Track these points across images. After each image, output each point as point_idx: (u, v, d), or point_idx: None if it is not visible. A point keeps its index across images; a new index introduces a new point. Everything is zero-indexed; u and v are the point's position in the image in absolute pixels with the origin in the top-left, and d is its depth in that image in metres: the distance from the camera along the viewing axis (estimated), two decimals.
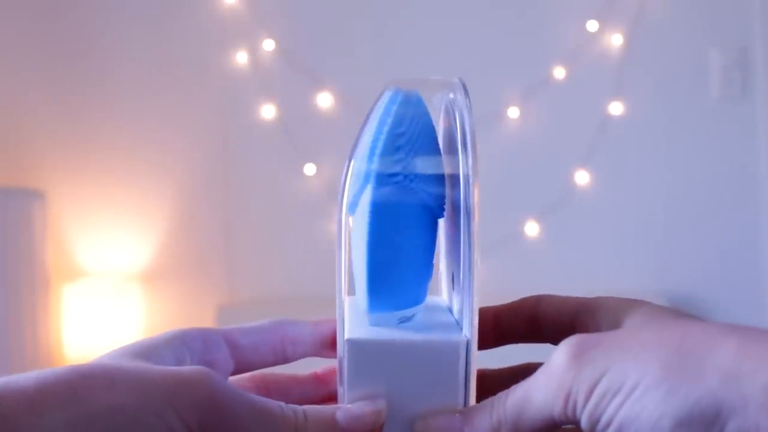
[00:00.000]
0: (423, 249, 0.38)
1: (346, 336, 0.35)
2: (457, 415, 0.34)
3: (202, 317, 1.81)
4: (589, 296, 0.38)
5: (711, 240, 1.75)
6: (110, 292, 1.79)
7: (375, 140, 0.37)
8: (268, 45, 1.83)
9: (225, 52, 1.84)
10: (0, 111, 1.89)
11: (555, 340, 0.37)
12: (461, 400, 0.35)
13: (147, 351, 0.34)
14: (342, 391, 0.36)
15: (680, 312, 0.34)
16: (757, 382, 0.28)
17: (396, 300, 0.37)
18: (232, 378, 0.39)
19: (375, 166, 0.37)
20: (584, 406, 0.31)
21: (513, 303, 0.39)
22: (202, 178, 1.86)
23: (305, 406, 0.34)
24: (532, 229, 1.76)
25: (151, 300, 1.84)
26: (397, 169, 0.37)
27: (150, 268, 1.86)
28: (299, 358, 0.40)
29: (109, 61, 1.87)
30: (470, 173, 0.35)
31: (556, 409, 0.32)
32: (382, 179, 0.36)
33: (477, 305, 0.35)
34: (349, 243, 0.38)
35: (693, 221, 1.76)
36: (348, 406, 0.34)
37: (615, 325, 0.35)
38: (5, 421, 0.29)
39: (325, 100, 1.80)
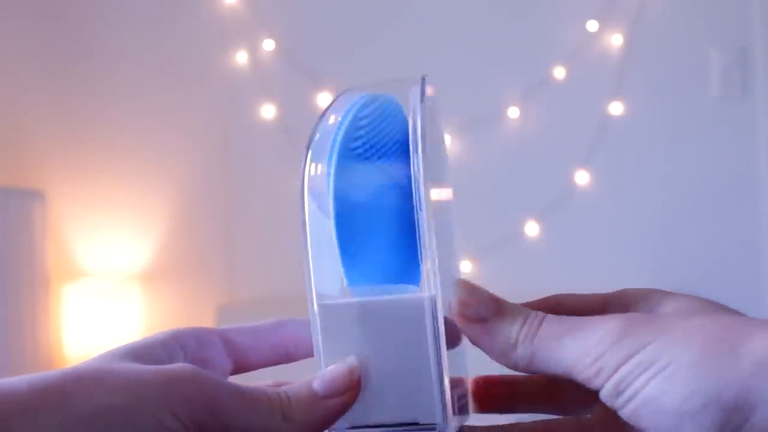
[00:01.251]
0: (396, 215, 0.36)
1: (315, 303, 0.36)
2: (491, 300, 0.35)
3: (202, 317, 1.81)
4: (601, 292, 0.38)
5: (711, 239, 1.75)
6: (110, 292, 1.79)
7: (338, 124, 0.37)
8: (268, 45, 1.83)
9: (225, 52, 1.84)
10: (0, 111, 1.89)
11: None
12: (432, 357, 0.35)
13: (139, 351, 0.34)
14: (318, 360, 0.36)
15: (720, 304, 0.34)
16: None
17: (374, 270, 0.37)
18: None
19: (339, 137, 0.37)
20: (610, 376, 0.31)
21: (532, 303, 0.38)
22: (202, 178, 1.86)
23: (284, 387, 0.34)
24: (532, 229, 1.76)
25: (151, 300, 1.84)
26: (358, 143, 0.36)
27: (150, 268, 1.86)
28: (302, 358, 0.39)
29: (110, 62, 1.87)
30: (419, 174, 0.35)
31: (578, 366, 0.32)
32: (344, 150, 0.36)
33: (436, 266, 0.35)
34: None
35: (693, 221, 1.76)
36: (321, 372, 0.35)
37: (655, 311, 0.35)
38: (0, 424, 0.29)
39: (325, 100, 1.80)
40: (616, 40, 1.77)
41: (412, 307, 0.35)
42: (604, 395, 0.32)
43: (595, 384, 0.32)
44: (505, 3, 1.81)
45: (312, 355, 0.39)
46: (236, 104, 1.84)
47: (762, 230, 1.75)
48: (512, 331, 0.34)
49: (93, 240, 1.87)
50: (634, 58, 1.76)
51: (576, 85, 1.76)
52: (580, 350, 0.32)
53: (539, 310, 0.37)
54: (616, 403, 0.31)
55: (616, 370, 0.31)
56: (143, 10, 1.86)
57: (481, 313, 0.35)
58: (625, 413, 0.31)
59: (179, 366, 0.33)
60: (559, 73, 1.77)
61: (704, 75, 1.75)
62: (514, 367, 0.34)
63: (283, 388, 0.34)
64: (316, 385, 0.34)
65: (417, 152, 0.35)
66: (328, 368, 0.35)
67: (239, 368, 0.39)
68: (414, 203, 0.35)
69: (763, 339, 0.30)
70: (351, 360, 0.35)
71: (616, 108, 1.76)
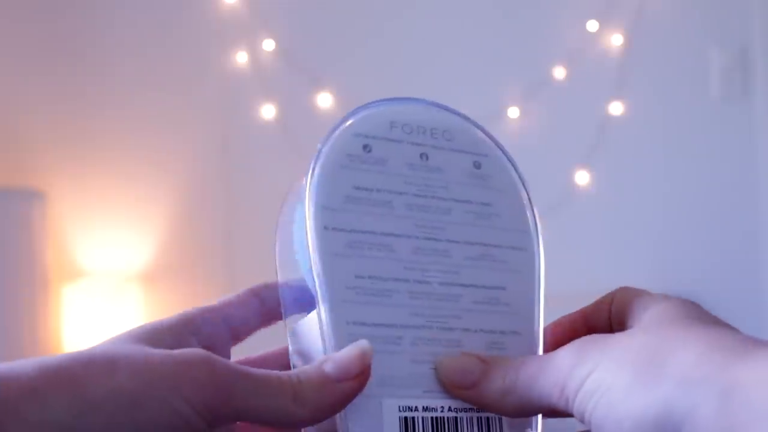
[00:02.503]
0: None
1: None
2: (480, 364, 0.36)
3: None
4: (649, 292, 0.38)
5: (711, 240, 1.75)
6: (110, 292, 1.79)
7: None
8: (268, 45, 1.83)
9: (225, 52, 1.84)
10: (0, 111, 1.89)
11: None
12: None
13: (149, 335, 0.34)
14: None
15: (696, 312, 0.34)
16: (710, 389, 0.28)
17: None
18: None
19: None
20: (573, 401, 0.32)
21: (597, 301, 0.40)
22: (202, 177, 1.86)
23: (296, 370, 0.34)
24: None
25: (151, 300, 1.84)
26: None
27: (150, 268, 1.86)
28: (279, 318, 0.40)
29: (110, 62, 1.87)
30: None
31: (552, 398, 0.33)
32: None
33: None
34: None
35: (693, 221, 1.76)
36: (333, 355, 0.35)
37: (635, 321, 0.36)
38: (8, 405, 0.29)
39: (325, 100, 1.80)
40: (616, 40, 1.77)
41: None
42: (578, 419, 0.33)
43: (570, 411, 0.33)
44: (506, 3, 1.81)
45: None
46: (236, 104, 1.84)
47: (762, 230, 1.75)
48: (498, 384, 0.35)
49: (93, 240, 1.87)
50: (634, 58, 1.76)
51: (576, 85, 1.76)
52: (550, 384, 0.33)
53: (602, 307, 0.38)
54: (585, 424, 0.32)
55: (575, 396, 0.32)
56: (143, 10, 1.86)
57: (473, 378, 0.36)
58: None
59: (190, 351, 0.33)
60: (559, 73, 1.77)
61: (704, 75, 1.75)
62: (507, 414, 0.36)
63: (294, 371, 0.34)
64: (328, 367, 0.34)
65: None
66: (341, 351, 0.35)
67: (236, 340, 0.39)
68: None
69: (686, 353, 0.30)
70: (363, 343, 0.35)
71: (616, 108, 1.76)
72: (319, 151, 0.39)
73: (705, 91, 1.75)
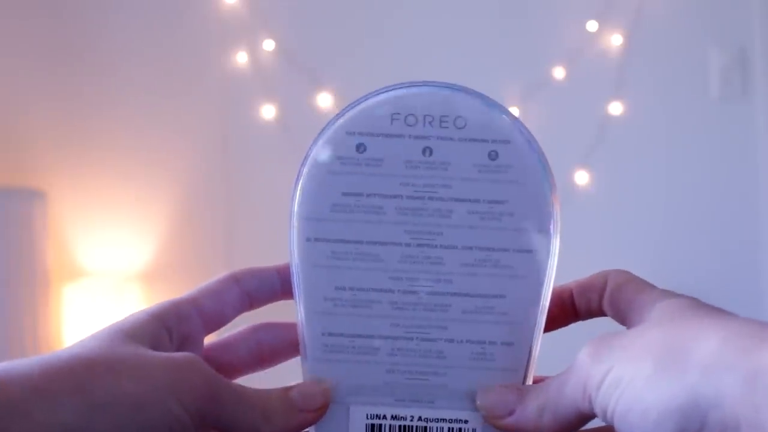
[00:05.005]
0: None
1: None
2: (516, 392, 0.37)
3: None
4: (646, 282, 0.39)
5: (711, 240, 1.75)
6: (110, 292, 1.79)
7: None
8: (268, 45, 1.83)
9: (225, 52, 1.84)
10: (0, 111, 1.89)
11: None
12: None
13: (133, 332, 0.35)
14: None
15: (702, 305, 0.35)
16: (735, 375, 0.28)
17: None
18: None
19: None
20: (596, 399, 0.33)
21: (585, 281, 0.41)
22: (202, 178, 1.86)
23: (267, 390, 0.37)
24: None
25: (151, 300, 1.84)
26: None
27: (150, 268, 1.86)
28: (261, 306, 0.41)
29: (110, 61, 1.87)
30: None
31: (578, 401, 0.34)
32: None
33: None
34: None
35: (693, 221, 1.76)
36: (300, 384, 0.37)
37: (640, 321, 0.36)
38: (14, 406, 0.29)
39: (325, 100, 1.80)
40: (615, 40, 1.77)
41: None
42: (600, 417, 0.33)
43: (593, 410, 0.33)
44: (505, 3, 1.81)
45: (278, 299, 0.40)
46: (236, 104, 1.84)
47: (762, 230, 1.75)
48: (534, 407, 0.36)
49: (93, 240, 1.87)
50: (633, 58, 1.76)
51: (575, 85, 1.76)
52: (574, 389, 0.34)
53: (591, 288, 0.40)
54: (608, 421, 0.33)
55: (597, 394, 0.33)
56: (143, 10, 1.86)
57: (509, 406, 0.37)
58: (616, 429, 0.33)
59: (182, 355, 0.34)
60: (559, 73, 1.77)
61: (704, 75, 1.75)
62: None
63: (266, 390, 0.36)
64: (294, 395, 0.37)
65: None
66: (306, 383, 0.38)
67: (209, 331, 0.40)
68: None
69: (708, 342, 0.30)
70: (326, 383, 0.38)
71: (615, 108, 1.76)
72: (307, 156, 0.38)
73: (704, 91, 1.75)
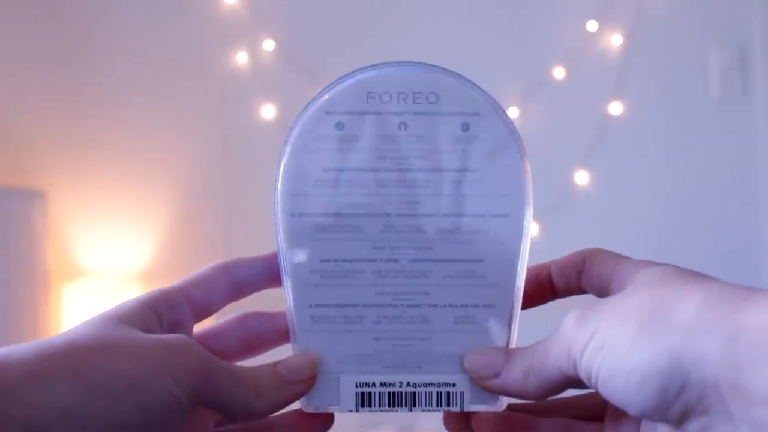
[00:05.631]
0: None
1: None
2: (503, 355, 0.38)
3: None
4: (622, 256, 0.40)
5: (711, 240, 1.75)
6: (110, 292, 1.79)
7: None
8: (268, 45, 1.83)
9: (225, 52, 1.84)
10: (0, 111, 1.89)
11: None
12: None
13: (127, 317, 0.36)
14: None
15: (688, 271, 0.35)
16: (715, 336, 0.29)
17: None
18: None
19: None
20: (580, 363, 0.33)
21: (563, 259, 0.41)
22: (202, 178, 1.86)
23: (255, 367, 0.38)
24: (531, 228, 1.75)
25: None
26: None
27: (150, 268, 1.86)
28: (249, 294, 0.42)
29: (110, 61, 1.87)
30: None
31: (563, 365, 0.35)
32: None
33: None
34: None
35: (692, 221, 1.76)
36: (286, 359, 0.38)
37: (622, 290, 0.37)
38: (10, 390, 0.29)
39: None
40: (615, 40, 1.77)
41: None
42: (585, 381, 0.34)
43: (578, 375, 0.34)
44: (505, 3, 1.81)
45: (262, 287, 0.42)
46: (236, 104, 1.84)
47: (762, 230, 1.75)
48: (519, 369, 0.37)
49: (93, 240, 1.87)
50: (633, 58, 1.76)
51: (576, 85, 1.76)
52: (559, 353, 0.35)
53: (568, 266, 0.40)
54: (591, 386, 0.34)
55: (581, 358, 0.33)
56: (143, 10, 1.86)
57: (496, 369, 0.38)
58: (600, 393, 0.33)
59: (175, 337, 0.35)
60: (559, 73, 1.77)
61: (704, 75, 1.75)
62: (530, 397, 0.37)
63: (255, 367, 0.37)
64: (281, 369, 0.38)
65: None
66: (294, 356, 0.39)
67: (198, 319, 0.41)
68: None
69: (689, 304, 0.31)
70: (313, 354, 0.39)
71: (615, 108, 1.76)
72: (289, 136, 0.40)
73: (704, 91, 1.75)
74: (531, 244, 0.41)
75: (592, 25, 1.77)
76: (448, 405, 0.39)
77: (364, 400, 0.39)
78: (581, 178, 1.77)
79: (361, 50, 1.81)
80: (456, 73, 0.40)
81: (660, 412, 0.31)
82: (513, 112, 1.76)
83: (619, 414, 0.37)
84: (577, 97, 1.77)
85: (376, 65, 0.40)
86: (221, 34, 1.84)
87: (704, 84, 1.75)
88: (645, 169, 1.77)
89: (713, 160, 1.76)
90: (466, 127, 0.39)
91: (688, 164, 1.76)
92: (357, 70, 0.40)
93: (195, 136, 1.86)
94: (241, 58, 1.83)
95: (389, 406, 0.39)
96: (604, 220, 1.78)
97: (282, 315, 0.41)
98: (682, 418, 0.31)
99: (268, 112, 1.82)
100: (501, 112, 0.40)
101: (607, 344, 0.32)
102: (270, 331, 0.41)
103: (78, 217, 1.87)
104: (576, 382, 0.35)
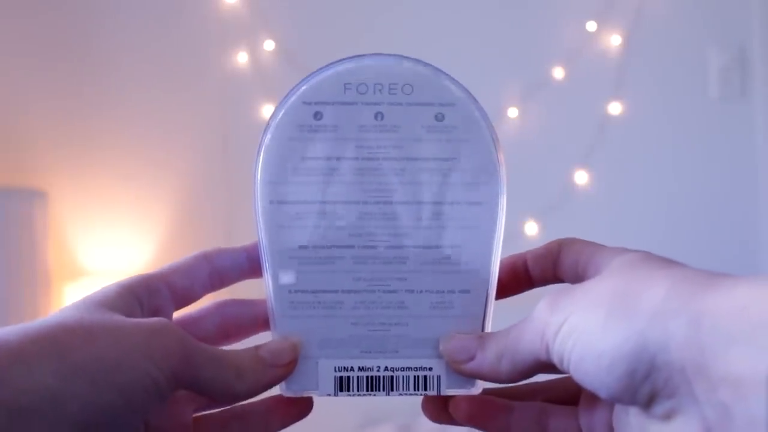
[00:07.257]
0: None
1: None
2: (477, 339, 0.39)
3: None
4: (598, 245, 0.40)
5: (711, 240, 1.76)
6: None
7: None
8: (268, 45, 1.83)
9: (225, 52, 1.84)
10: (0, 111, 1.90)
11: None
12: None
13: (107, 302, 0.36)
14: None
15: (657, 258, 0.36)
16: (680, 319, 0.30)
17: None
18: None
19: None
20: (552, 347, 0.34)
21: (540, 249, 0.42)
22: (202, 178, 1.86)
23: (237, 350, 0.38)
24: (531, 228, 1.76)
25: None
26: None
27: (150, 268, 1.85)
28: (230, 284, 0.43)
29: (110, 61, 1.87)
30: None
31: (536, 349, 0.35)
32: None
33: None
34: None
35: (692, 221, 1.76)
36: (268, 344, 0.39)
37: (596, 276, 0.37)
38: None
39: None
40: (615, 40, 1.77)
41: None
42: (557, 365, 0.34)
43: (551, 358, 0.35)
44: (505, 3, 1.81)
45: (244, 278, 0.43)
46: (236, 104, 1.84)
47: (761, 230, 1.75)
48: (492, 352, 0.37)
49: (94, 239, 1.87)
50: (633, 58, 1.76)
51: (575, 85, 1.77)
52: (532, 337, 0.35)
53: (546, 256, 0.41)
54: (564, 369, 0.34)
55: (554, 343, 0.34)
56: (143, 10, 1.87)
57: (470, 352, 0.38)
58: (572, 377, 0.34)
59: (156, 320, 0.35)
60: (559, 73, 1.77)
61: (703, 75, 1.75)
62: (503, 381, 0.38)
63: (236, 350, 0.38)
64: (263, 353, 0.38)
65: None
66: (275, 341, 0.39)
67: (178, 307, 0.41)
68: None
69: (657, 289, 0.31)
70: (294, 339, 0.39)
71: (615, 108, 1.77)
72: (268, 125, 0.41)
73: (704, 91, 1.76)
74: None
75: (591, 26, 1.78)
76: (426, 389, 0.40)
77: (342, 385, 0.40)
78: (581, 178, 1.77)
79: (361, 50, 1.81)
80: (430, 65, 0.41)
81: (629, 394, 0.31)
82: (513, 112, 1.77)
83: (593, 398, 0.37)
84: (577, 97, 1.77)
85: (353, 57, 0.42)
86: (221, 34, 1.84)
87: (703, 84, 1.76)
88: (644, 169, 1.78)
89: (712, 160, 1.76)
90: (440, 117, 0.40)
91: (688, 164, 1.76)
92: (334, 62, 0.42)
93: (195, 136, 1.86)
94: (242, 58, 1.84)
95: (367, 390, 0.40)
96: (603, 220, 1.78)
97: (260, 303, 0.42)
98: (650, 401, 0.31)
99: (268, 112, 1.82)
100: (474, 103, 0.41)
101: (579, 328, 0.33)
102: (248, 318, 0.42)
103: (78, 217, 1.87)
104: (549, 366, 0.36)
